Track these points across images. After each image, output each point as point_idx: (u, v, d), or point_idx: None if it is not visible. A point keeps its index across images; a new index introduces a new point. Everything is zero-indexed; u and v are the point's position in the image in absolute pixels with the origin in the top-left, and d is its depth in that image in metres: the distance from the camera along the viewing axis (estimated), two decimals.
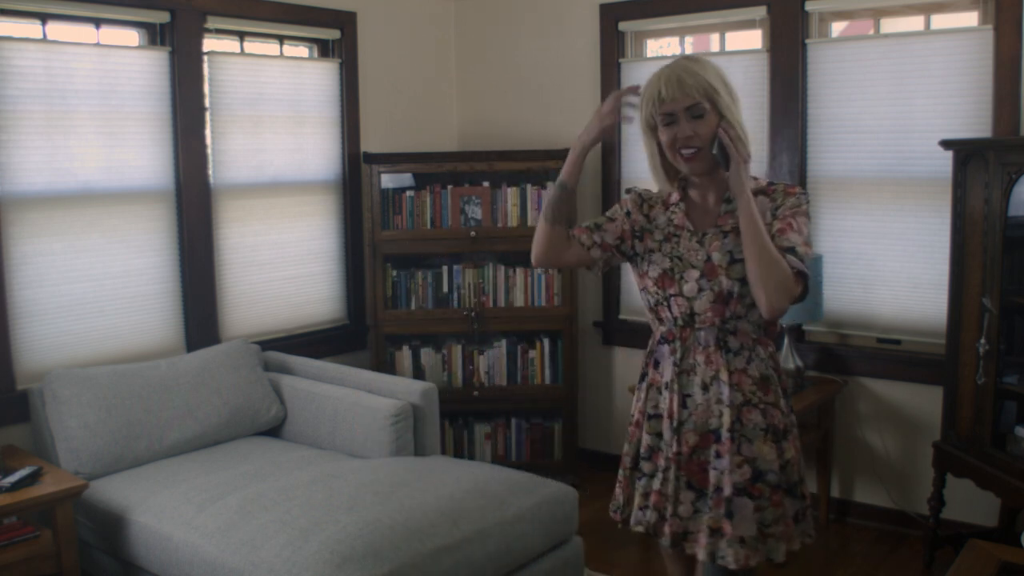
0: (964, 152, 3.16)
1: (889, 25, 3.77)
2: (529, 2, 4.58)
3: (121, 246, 3.57)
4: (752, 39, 4.02)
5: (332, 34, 4.25)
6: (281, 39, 4.16)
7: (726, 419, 2.10)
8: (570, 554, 3.03)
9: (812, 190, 3.81)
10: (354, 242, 4.37)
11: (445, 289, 4.22)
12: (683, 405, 2.15)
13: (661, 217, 2.23)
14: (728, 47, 4.18)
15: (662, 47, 4.63)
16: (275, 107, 4.04)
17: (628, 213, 2.26)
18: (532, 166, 4.14)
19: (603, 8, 4.32)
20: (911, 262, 3.64)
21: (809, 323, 3.85)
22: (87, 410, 3.15)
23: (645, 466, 2.24)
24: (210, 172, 3.82)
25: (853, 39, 3.80)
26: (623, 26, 4.29)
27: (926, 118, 3.55)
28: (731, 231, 2.11)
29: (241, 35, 3.99)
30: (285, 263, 4.13)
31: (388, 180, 4.18)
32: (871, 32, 3.81)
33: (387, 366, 4.17)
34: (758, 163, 3.79)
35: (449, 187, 4.16)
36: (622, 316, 4.45)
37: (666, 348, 2.20)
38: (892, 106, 3.62)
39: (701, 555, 2.13)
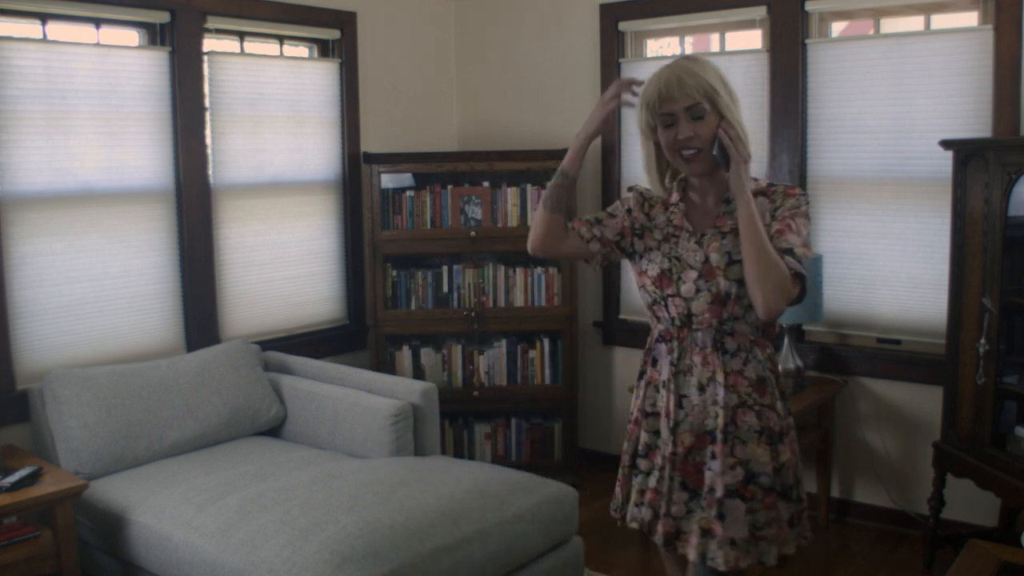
0: (964, 152, 3.16)
1: (889, 25, 3.77)
2: (529, 2, 4.58)
3: (121, 246, 3.57)
4: (752, 39, 4.02)
5: (332, 34, 4.25)
6: (281, 39, 4.16)
7: (720, 420, 2.09)
8: (570, 554, 3.03)
9: (812, 190, 3.81)
10: (354, 242, 4.37)
11: (445, 289, 4.22)
12: (679, 405, 2.15)
13: (661, 217, 2.23)
14: (728, 47, 4.18)
15: (662, 47, 4.63)
16: (275, 107, 4.04)
17: (629, 210, 2.26)
18: (532, 166, 4.13)
19: (603, 8, 4.32)
20: (911, 262, 3.64)
21: (809, 323, 3.85)
22: (87, 410, 3.15)
23: (642, 463, 2.24)
24: (210, 172, 3.82)
25: (853, 39, 3.80)
26: (623, 26, 4.29)
27: (926, 118, 3.55)
28: (730, 232, 2.11)
29: (241, 35, 3.99)
30: (285, 263, 4.14)
31: (388, 180, 4.18)
32: (871, 32, 3.81)
33: (387, 366, 4.17)
34: (758, 163, 3.79)
35: (449, 187, 4.16)
36: (622, 316, 4.45)
37: (663, 347, 2.19)
38: (892, 106, 3.62)
39: (691, 555, 2.11)
